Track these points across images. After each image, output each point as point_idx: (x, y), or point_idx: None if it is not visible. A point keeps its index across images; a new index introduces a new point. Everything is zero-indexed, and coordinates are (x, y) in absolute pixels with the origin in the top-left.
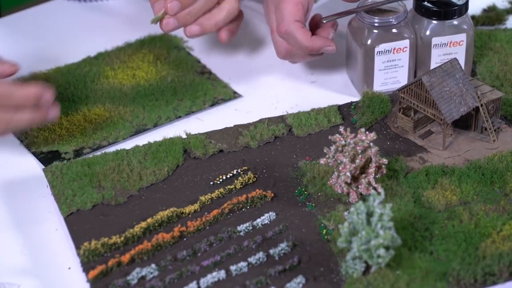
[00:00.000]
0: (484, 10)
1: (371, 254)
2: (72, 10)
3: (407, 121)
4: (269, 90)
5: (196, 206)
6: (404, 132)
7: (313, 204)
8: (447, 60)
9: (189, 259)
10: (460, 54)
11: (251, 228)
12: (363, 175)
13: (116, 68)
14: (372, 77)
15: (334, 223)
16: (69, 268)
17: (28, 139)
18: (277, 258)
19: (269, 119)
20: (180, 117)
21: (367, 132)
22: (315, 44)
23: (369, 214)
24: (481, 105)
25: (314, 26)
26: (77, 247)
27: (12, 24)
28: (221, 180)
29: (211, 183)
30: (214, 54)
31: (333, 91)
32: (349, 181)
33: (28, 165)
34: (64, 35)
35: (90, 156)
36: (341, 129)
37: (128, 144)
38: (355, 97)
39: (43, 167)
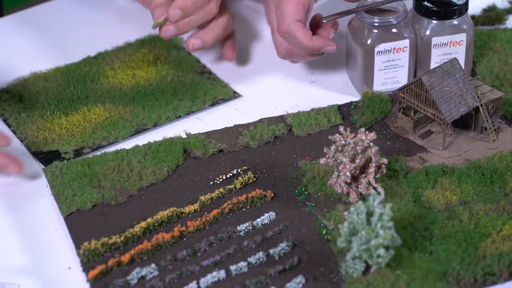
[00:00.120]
0: (484, 10)
1: (371, 254)
2: (72, 10)
3: (407, 121)
4: (269, 90)
5: (196, 206)
6: (404, 132)
7: (313, 204)
8: (447, 60)
9: (189, 259)
10: (460, 54)
11: (251, 228)
12: (363, 175)
13: (116, 68)
14: (372, 77)
15: (334, 223)
16: (69, 268)
17: (28, 139)
18: (277, 258)
19: (269, 119)
20: (180, 117)
21: (367, 132)
22: (316, 44)
23: (369, 214)
24: (481, 105)
25: (315, 26)
26: (77, 247)
27: (12, 24)
28: (221, 180)
29: (211, 183)
30: (214, 54)
31: (333, 91)
32: (349, 181)
33: (28, 165)
34: (64, 34)
35: (90, 156)
36: (341, 129)
37: (128, 144)
38: (355, 97)
39: (43, 167)
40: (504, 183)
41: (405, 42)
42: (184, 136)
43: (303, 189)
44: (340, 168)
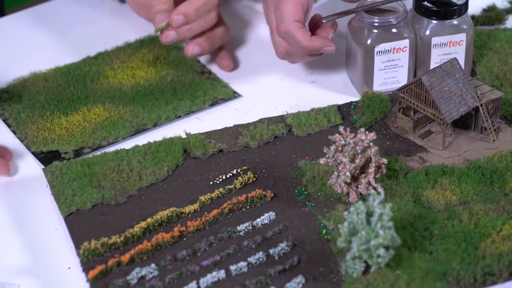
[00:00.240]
0: (484, 10)
1: (371, 254)
2: (71, 10)
3: (407, 121)
4: (269, 90)
5: (196, 206)
6: (404, 132)
7: (313, 204)
8: (447, 60)
9: (189, 259)
10: (459, 54)
11: (251, 228)
12: (363, 175)
13: (116, 68)
14: (372, 77)
15: (334, 223)
16: (69, 268)
17: (28, 139)
18: (277, 258)
19: (269, 119)
20: (179, 117)
21: (366, 132)
22: (315, 44)
23: (369, 214)
24: (481, 105)
25: (314, 26)
26: (77, 247)
27: (11, 24)
28: (221, 180)
29: (211, 183)
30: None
31: (333, 91)
32: (348, 181)
33: (28, 165)
34: (64, 34)
35: (90, 156)
36: (341, 129)
37: (127, 144)
38: (355, 97)
39: (43, 167)
40: (504, 183)
41: (405, 42)
42: (184, 136)
43: (303, 189)
44: (340, 168)
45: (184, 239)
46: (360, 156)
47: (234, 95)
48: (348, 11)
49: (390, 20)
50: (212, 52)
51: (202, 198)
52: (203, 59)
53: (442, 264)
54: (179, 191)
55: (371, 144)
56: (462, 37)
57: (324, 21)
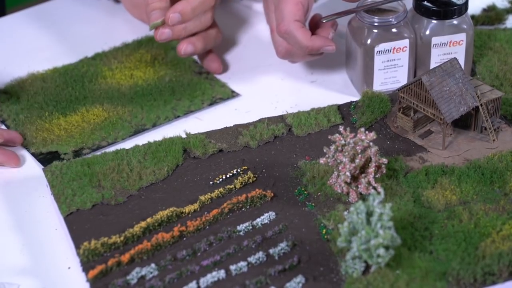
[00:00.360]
0: (484, 10)
1: (371, 253)
2: (71, 10)
3: (407, 120)
4: (268, 90)
5: (195, 205)
6: (404, 132)
7: (313, 204)
8: (447, 60)
9: (189, 258)
10: (459, 53)
11: (250, 227)
12: (363, 175)
13: (114, 69)
14: (371, 77)
15: (333, 223)
16: (69, 267)
17: (27, 140)
18: (276, 257)
19: (269, 118)
20: (178, 116)
21: (366, 132)
22: (315, 43)
23: (369, 214)
24: (481, 105)
25: (314, 25)
26: (77, 246)
27: (9, 24)
28: (220, 179)
29: (211, 182)
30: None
31: (332, 90)
32: (348, 180)
33: (27, 165)
34: (61, 35)
35: (90, 155)
36: (341, 128)
37: (127, 144)
38: (355, 97)
39: (43, 166)
40: (504, 183)
41: (405, 42)
42: (184, 136)
43: (303, 189)
44: (340, 168)
45: (184, 239)
46: (360, 156)
47: (233, 94)
48: (348, 11)
49: (390, 20)
50: (202, 54)
51: (202, 198)
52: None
53: (442, 264)
54: (179, 191)
55: (371, 144)
56: (462, 37)
57: (324, 21)
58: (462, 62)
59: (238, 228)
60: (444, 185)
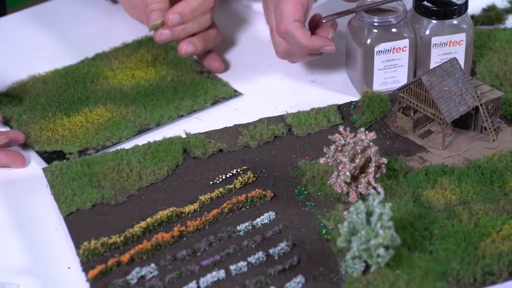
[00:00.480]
0: (484, 10)
1: (371, 253)
2: (69, 10)
3: (407, 120)
4: (268, 90)
5: (195, 205)
6: (404, 132)
7: (313, 204)
8: (447, 60)
9: (189, 258)
10: (459, 53)
11: (250, 227)
12: (363, 175)
13: (115, 69)
14: (371, 77)
15: (333, 223)
16: (69, 267)
17: (31, 138)
18: (276, 257)
19: (269, 118)
20: (182, 116)
21: (366, 132)
22: (315, 43)
23: (369, 214)
24: (481, 105)
25: (314, 25)
26: (77, 246)
27: (7, 26)
28: (220, 179)
29: (211, 182)
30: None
31: (332, 90)
32: (348, 180)
33: (27, 164)
34: (59, 36)
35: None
36: (341, 128)
37: (128, 144)
38: (355, 97)
39: (43, 166)
40: (504, 183)
41: (405, 42)
42: (183, 136)
43: (302, 189)
44: (339, 167)
45: (184, 239)
46: (360, 155)
47: (235, 94)
48: (348, 10)
49: (390, 19)
50: (202, 54)
51: (202, 198)
52: None
53: (442, 263)
54: (179, 191)
55: (371, 143)
56: (462, 36)
57: (324, 21)
58: (462, 62)
59: (238, 228)
60: (444, 185)
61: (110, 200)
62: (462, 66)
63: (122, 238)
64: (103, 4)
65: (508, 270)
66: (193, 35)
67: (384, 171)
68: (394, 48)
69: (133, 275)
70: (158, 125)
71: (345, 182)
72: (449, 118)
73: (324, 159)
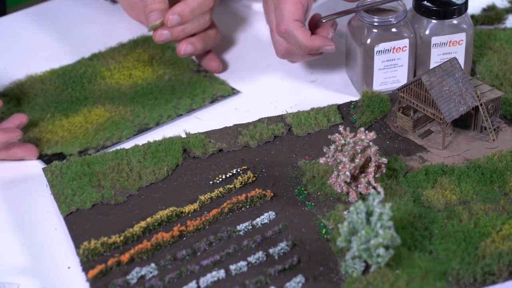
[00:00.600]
0: (484, 10)
1: (371, 253)
2: (69, 10)
3: (407, 120)
4: (268, 90)
5: (195, 205)
6: (404, 132)
7: (313, 204)
8: (447, 60)
9: (189, 258)
10: (459, 53)
11: (250, 227)
12: (363, 175)
13: (112, 69)
14: (371, 77)
15: (333, 223)
16: (69, 267)
17: (31, 141)
18: (276, 257)
19: (269, 118)
20: (181, 115)
21: (366, 132)
22: (315, 43)
23: (369, 214)
24: (481, 105)
25: (314, 25)
26: (77, 246)
27: (4, 26)
28: (220, 179)
29: (211, 182)
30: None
31: (332, 90)
32: (348, 180)
33: (27, 165)
34: (56, 36)
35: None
36: (341, 128)
37: (128, 144)
38: (355, 97)
39: (43, 166)
40: (504, 183)
41: (405, 42)
42: (183, 135)
43: (302, 189)
44: (339, 167)
45: (184, 238)
46: (360, 155)
47: (233, 92)
48: (348, 10)
49: (390, 19)
50: (200, 54)
51: (201, 197)
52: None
53: (442, 263)
54: (179, 190)
55: (371, 143)
56: (461, 36)
57: (324, 21)
58: (462, 61)
59: (238, 227)
60: (444, 185)
61: (110, 200)
62: (462, 66)
63: (122, 238)
64: (103, 4)
65: (508, 270)
66: (192, 35)
67: (384, 171)
68: (394, 48)
69: (133, 275)
70: (158, 124)
71: (345, 182)
72: (449, 118)
73: (324, 159)
